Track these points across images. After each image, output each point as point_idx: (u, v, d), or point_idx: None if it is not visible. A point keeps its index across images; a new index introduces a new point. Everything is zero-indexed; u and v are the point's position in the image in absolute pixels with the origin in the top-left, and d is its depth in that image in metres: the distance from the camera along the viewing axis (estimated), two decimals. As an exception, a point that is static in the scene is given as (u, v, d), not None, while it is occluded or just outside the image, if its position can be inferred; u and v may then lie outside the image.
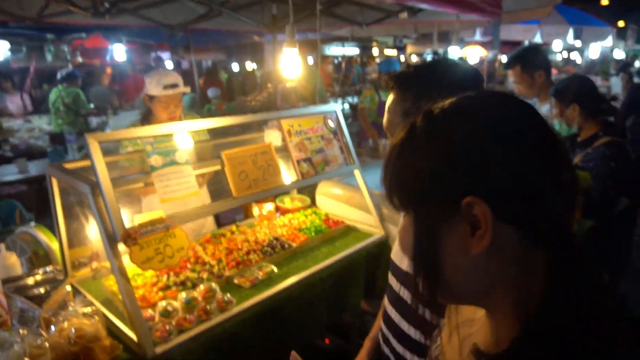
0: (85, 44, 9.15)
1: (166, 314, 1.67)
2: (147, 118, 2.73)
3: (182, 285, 1.93)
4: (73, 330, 1.45)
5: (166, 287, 1.91)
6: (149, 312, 1.68)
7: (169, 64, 10.78)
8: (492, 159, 0.54)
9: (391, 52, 16.31)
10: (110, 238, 1.59)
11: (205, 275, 2.01)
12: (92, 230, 2.03)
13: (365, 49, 16.58)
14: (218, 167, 2.01)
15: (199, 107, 7.37)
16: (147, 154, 1.74)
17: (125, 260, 1.68)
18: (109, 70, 8.79)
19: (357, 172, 2.45)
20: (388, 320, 1.23)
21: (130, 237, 1.61)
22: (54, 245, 2.17)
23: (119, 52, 8.02)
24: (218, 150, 2.06)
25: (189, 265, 2.10)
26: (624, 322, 0.54)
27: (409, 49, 15.12)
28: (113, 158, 2.11)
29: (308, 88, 8.28)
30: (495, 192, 0.54)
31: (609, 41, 9.41)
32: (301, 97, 9.00)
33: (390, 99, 1.10)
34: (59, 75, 6.18)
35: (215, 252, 2.23)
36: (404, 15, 3.42)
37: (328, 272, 2.17)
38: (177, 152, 1.85)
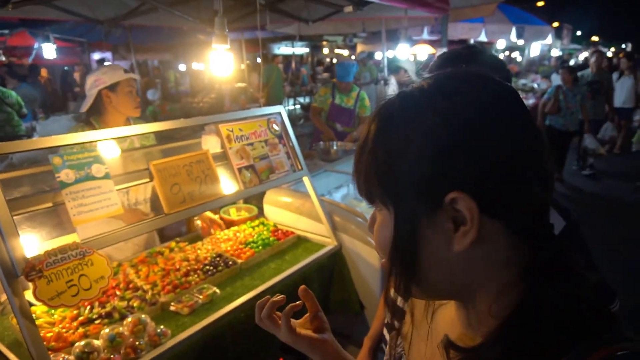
0: (9, 42, 8.36)
1: (84, 356, 1.42)
2: (94, 119, 2.28)
3: (109, 317, 1.67)
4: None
5: (89, 321, 1.65)
6: (62, 357, 1.41)
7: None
8: (480, 148, 0.49)
9: (342, 52, 16.27)
10: (9, 272, 1.31)
11: (136, 303, 1.76)
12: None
13: (315, 48, 16.47)
14: (146, 180, 1.76)
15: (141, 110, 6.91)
16: (55, 169, 1.47)
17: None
18: (44, 71, 8.03)
19: (305, 179, 2.27)
20: (385, 322, 1.22)
21: (35, 269, 1.34)
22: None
23: (48, 51, 7.19)
24: (152, 159, 1.82)
25: (117, 292, 1.85)
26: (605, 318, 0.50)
27: (359, 47, 15.12)
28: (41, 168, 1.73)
29: (262, 88, 7.98)
30: (483, 185, 0.49)
31: (548, 40, 9.81)
32: (250, 99, 8.71)
33: None
34: None
35: (149, 275, 1.98)
36: (349, 9, 3.25)
37: (277, 290, 1.98)
38: (95, 164, 1.59)
